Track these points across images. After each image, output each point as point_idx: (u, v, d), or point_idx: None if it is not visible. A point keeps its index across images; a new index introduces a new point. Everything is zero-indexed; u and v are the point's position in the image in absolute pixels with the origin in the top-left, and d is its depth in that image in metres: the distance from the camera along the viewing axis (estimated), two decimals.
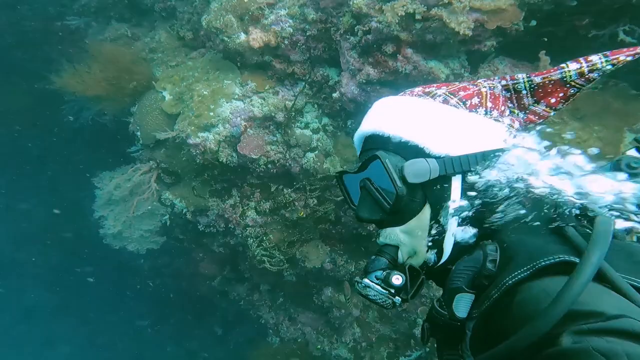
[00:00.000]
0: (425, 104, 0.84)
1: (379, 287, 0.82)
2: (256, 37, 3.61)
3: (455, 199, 0.80)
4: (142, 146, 4.48)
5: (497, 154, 0.78)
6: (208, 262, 4.89)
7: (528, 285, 0.66)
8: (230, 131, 3.78)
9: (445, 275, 0.83)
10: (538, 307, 0.60)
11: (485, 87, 0.83)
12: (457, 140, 0.80)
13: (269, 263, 3.97)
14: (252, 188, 4.13)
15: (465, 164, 0.79)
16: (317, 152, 3.86)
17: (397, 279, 0.82)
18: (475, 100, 0.81)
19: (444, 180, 0.80)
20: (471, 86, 0.84)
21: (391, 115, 0.85)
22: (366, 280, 0.84)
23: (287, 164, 3.85)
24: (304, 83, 3.80)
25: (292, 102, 3.76)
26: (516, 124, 0.85)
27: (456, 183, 0.80)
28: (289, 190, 3.97)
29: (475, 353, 0.75)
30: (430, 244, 0.84)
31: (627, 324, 0.52)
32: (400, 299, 0.83)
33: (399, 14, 2.68)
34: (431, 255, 0.85)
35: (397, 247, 0.86)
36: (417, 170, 0.78)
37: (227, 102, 3.87)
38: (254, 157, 3.76)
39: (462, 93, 0.82)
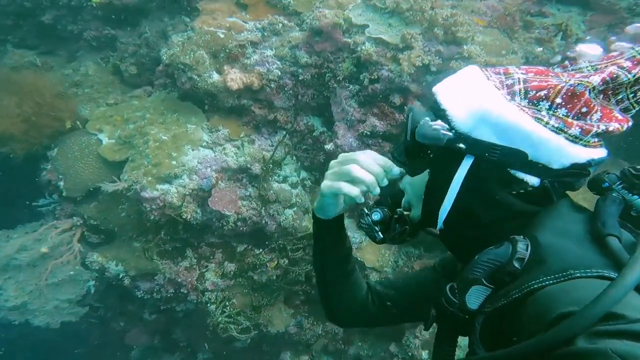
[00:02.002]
0: (482, 81, 0.92)
1: (368, 219, 1.10)
2: (235, 78, 3.78)
3: (457, 179, 0.91)
4: (60, 199, 4.09)
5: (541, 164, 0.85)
6: (138, 331, 4.55)
7: (551, 288, 0.73)
8: (198, 183, 3.72)
9: (466, 249, 0.96)
10: (555, 307, 0.68)
11: (568, 81, 0.84)
12: (482, 123, 0.87)
13: (236, 331, 3.87)
14: (212, 248, 4.06)
15: (475, 149, 0.88)
16: (295, 208, 3.99)
17: (375, 215, 1.10)
18: (543, 92, 0.84)
19: (453, 154, 0.91)
20: (554, 79, 0.86)
21: (450, 80, 0.98)
22: (365, 210, 1.12)
23: (263, 221, 3.88)
24: (285, 132, 4.01)
25: (271, 152, 3.91)
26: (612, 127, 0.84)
27: (466, 163, 0.90)
28: (261, 250, 3.99)
29: (487, 349, 0.80)
30: (426, 206, 1.01)
31: None
32: (381, 236, 1.10)
33: (416, 64, 3.16)
34: (421, 215, 1.04)
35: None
36: (425, 132, 0.90)
37: (193, 150, 3.84)
38: (228, 213, 3.72)
39: (535, 83, 0.86)
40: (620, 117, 0.82)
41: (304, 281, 4.10)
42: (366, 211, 1.13)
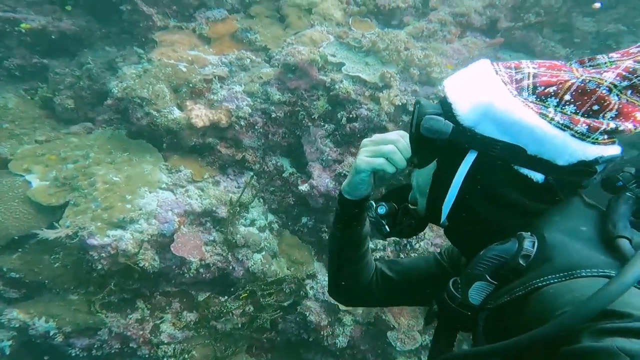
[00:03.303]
0: (489, 76, 0.99)
1: (375, 212, 1.24)
2: (200, 114, 3.92)
3: (460, 173, 1.00)
4: None
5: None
6: None
7: (556, 286, 0.79)
8: (158, 228, 3.68)
9: (470, 244, 1.06)
10: (559, 305, 0.74)
11: (580, 77, 0.89)
12: (486, 118, 0.94)
13: None
14: (168, 298, 4.00)
15: (478, 144, 0.96)
16: (264, 253, 4.09)
17: (380, 209, 1.23)
18: (552, 88, 0.90)
19: (457, 149, 0.99)
20: (566, 74, 0.92)
21: (460, 74, 1.06)
22: (372, 203, 1.25)
23: (230, 267, 3.92)
24: (252, 173, 4.17)
25: (238, 195, 4.02)
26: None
27: (469, 158, 0.98)
28: (227, 297, 3.99)
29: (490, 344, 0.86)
30: (430, 200, 1.09)
31: None
32: (387, 229, 1.23)
33: (395, 104, 3.57)
34: (427, 211, 1.13)
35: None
36: (430, 126, 0.99)
37: (151, 192, 3.83)
38: (192, 259, 3.71)
39: (544, 78, 0.92)
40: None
41: (269, 328, 4.20)
42: (373, 205, 1.25)
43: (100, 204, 3.68)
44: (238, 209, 4.01)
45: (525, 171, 0.93)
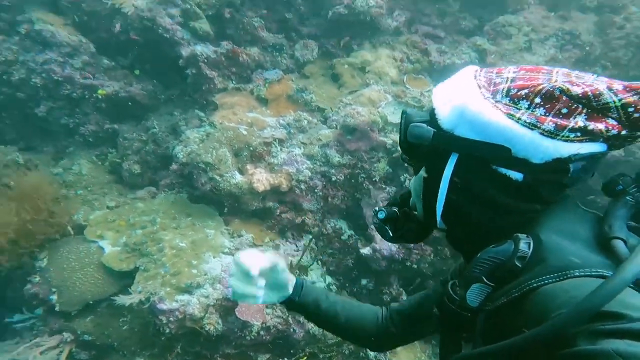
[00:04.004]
0: (468, 80, 1.11)
1: (377, 218, 1.37)
2: (261, 179, 4.35)
3: (445, 176, 1.11)
4: (45, 314, 4.31)
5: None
6: None
7: (551, 286, 0.86)
8: (222, 292, 4.08)
9: (468, 247, 1.17)
10: (555, 305, 0.80)
11: (551, 82, 0.99)
12: (462, 121, 1.06)
13: None
14: None
15: (458, 146, 1.07)
16: None
17: (380, 214, 1.36)
18: (524, 92, 1.00)
19: (441, 153, 1.10)
20: (543, 77, 1.02)
21: (446, 81, 1.18)
22: (375, 209, 1.39)
23: (290, 329, 4.23)
24: (311, 237, 4.53)
25: (298, 258, 4.39)
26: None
27: (452, 161, 1.09)
28: (285, 359, 4.30)
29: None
30: (424, 204, 1.23)
31: None
32: (390, 234, 1.35)
33: None
34: (422, 214, 1.26)
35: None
36: (414, 132, 1.12)
37: (214, 257, 4.26)
38: (254, 322, 4.06)
39: (520, 82, 1.02)
40: (612, 122, 0.94)
41: None
42: (376, 210, 1.39)
43: (169, 270, 4.13)
44: (298, 272, 4.37)
45: (503, 171, 1.03)
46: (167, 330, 4.02)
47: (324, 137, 4.50)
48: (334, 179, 4.35)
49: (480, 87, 1.07)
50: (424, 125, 1.11)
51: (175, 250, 4.26)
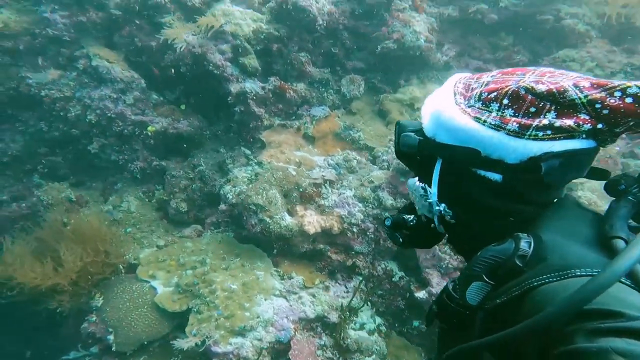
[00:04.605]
0: (447, 88, 1.24)
1: (385, 225, 1.46)
2: (312, 221, 4.69)
3: (434, 181, 1.23)
4: (101, 352, 4.70)
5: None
6: None
7: (551, 285, 0.90)
8: (275, 336, 4.43)
9: (468, 248, 1.24)
10: (551, 302, 0.84)
11: (517, 82, 1.08)
12: (439, 127, 1.18)
13: None
14: None
15: (439, 151, 1.19)
16: (374, 356, 4.69)
17: (387, 221, 1.44)
18: (493, 94, 1.10)
19: (429, 159, 1.23)
20: (515, 78, 1.11)
21: (435, 90, 1.30)
22: (387, 214, 1.80)
23: None
24: (361, 278, 4.84)
25: (348, 299, 4.70)
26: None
27: (438, 166, 1.21)
28: None
29: None
30: (425, 207, 1.31)
31: None
32: (400, 240, 1.43)
33: None
34: (425, 217, 1.35)
35: None
36: (404, 141, 1.25)
37: (266, 300, 4.61)
38: None
39: (492, 85, 1.12)
40: (584, 117, 1.00)
41: None
42: (384, 217, 1.72)
43: (222, 312, 4.49)
44: (348, 313, 4.68)
45: (482, 172, 1.12)
46: None
47: (375, 178, 4.80)
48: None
49: (455, 94, 1.19)
50: (412, 134, 1.24)
51: (227, 292, 4.62)
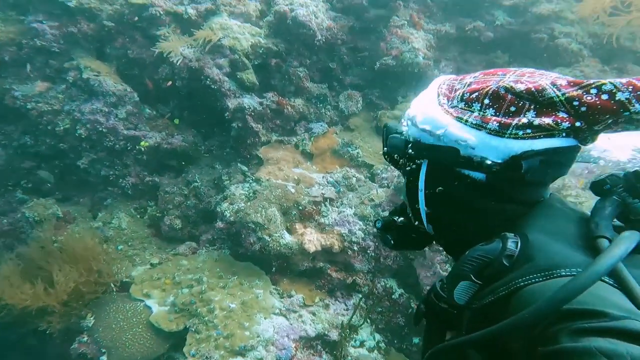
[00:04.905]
0: (430, 90, 1.28)
1: (376, 227, 1.54)
2: (312, 239, 4.80)
3: (420, 182, 1.27)
4: None
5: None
6: None
7: (537, 285, 0.94)
8: (276, 355, 4.51)
9: (457, 249, 1.25)
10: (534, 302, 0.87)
11: (497, 82, 1.13)
12: (422, 129, 1.21)
13: None
14: None
15: (424, 153, 1.23)
16: None
17: (378, 223, 1.51)
18: (475, 95, 1.14)
19: (415, 160, 1.26)
20: (495, 78, 1.16)
21: (421, 92, 1.34)
22: (379, 216, 1.93)
23: None
24: (360, 296, 4.96)
25: (349, 317, 4.82)
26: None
27: (423, 167, 1.25)
28: None
29: None
30: (412, 211, 1.36)
31: (631, 325, 0.77)
32: (392, 242, 1.48)
33: None
34: (415, 221, 1.38)
35: None
36: (391, 143, 1.29)
37: (266, 319, 4.69)
38: None
39: (474, 86, 1.16)
40: (563, 115, 1.05)
41: None
42: (374, 219, 1.90)
43: (222, 332, 4.56)
44: (348, 331, 4.80)
45: (466, 172, 1.16)
46: None
47: (376, 197, 4.96)
48: None
49: (439, 95, 1.24)
50: (399, 136, 1.29)
51: (225, 311, 4.70)
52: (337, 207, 5.00)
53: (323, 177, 5.24)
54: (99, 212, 5.76)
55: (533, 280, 0.94)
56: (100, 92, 5.57)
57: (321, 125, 5.63)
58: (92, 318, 4.90)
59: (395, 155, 1.32)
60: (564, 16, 6.34)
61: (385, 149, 1.33)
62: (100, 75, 5.61)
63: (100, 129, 5.52)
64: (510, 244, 1.04)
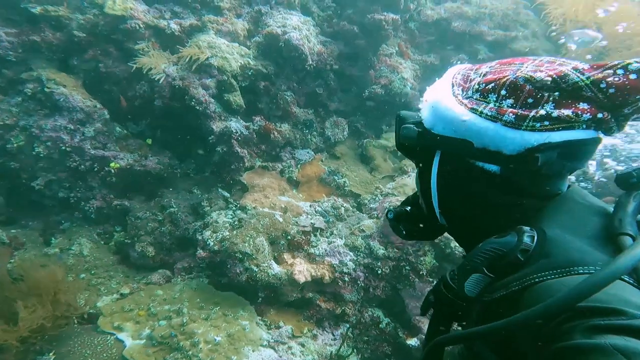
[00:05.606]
0: (445, 79, 1.34)
1: (387, 218, 1.62)
2: (302, 270, 5.00)
3: (433, 173, 1.33)
4: None
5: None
6: None
7: (552, 282, 0.98)
8: None
9: (470, 242, 1.31)
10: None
11: (515, 73, 1.17)
12: (436, 119, 1.28)
13: None
14: None
15: (437, 143, 1.28)
16: None
17: (389, 214, 1.58)
18: (491, 85, 1.19)
19: (428, 150, 1.32)
20: (513, 68, 1.20)
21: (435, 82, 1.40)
22: (390, 207, 1.64)
23: None
24: (348, 326, 5.18)
25: (337, 347, 5.01)
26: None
27: (437, 157, 1.31)
28: None
29: None
30: (425, 202, 1.43)
31: None
32: (404, 232, 1.57)
33: None
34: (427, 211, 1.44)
35: None
36: (404, 134, 1.33)
37: (254, 351, 4.80)
38: None
39: (490, 76, 1.21)
40: (583, 107, 1.09)
41: None
42: (386, 210, 1.69)
43: None
44: None
45: (480, 164, 1.21)
46: None
47: (366, 227, 5.24)
48: (379, 271, 5.07)
49: (453, 85, 1.28)
50: (412, 126, 1.32)
51: (211, 344, 4.76)
52: (327, 237, 5.23)
53: (311, 206, 5.47)
54: (52, 237, 5.64)
55: (548, 277, 0.99)
56: (65, 107, 5.54)
57: (307, 152, 5.88)
58: (52, 355, 4.80)
59: (408, 146, 1.36)
60: (537, 53, 7.01)
61: (398, 138, 1.37)
62: (66, 88, 5.59)
63: (63, 147, 5.48)
64: (526, 238, 1.08)
